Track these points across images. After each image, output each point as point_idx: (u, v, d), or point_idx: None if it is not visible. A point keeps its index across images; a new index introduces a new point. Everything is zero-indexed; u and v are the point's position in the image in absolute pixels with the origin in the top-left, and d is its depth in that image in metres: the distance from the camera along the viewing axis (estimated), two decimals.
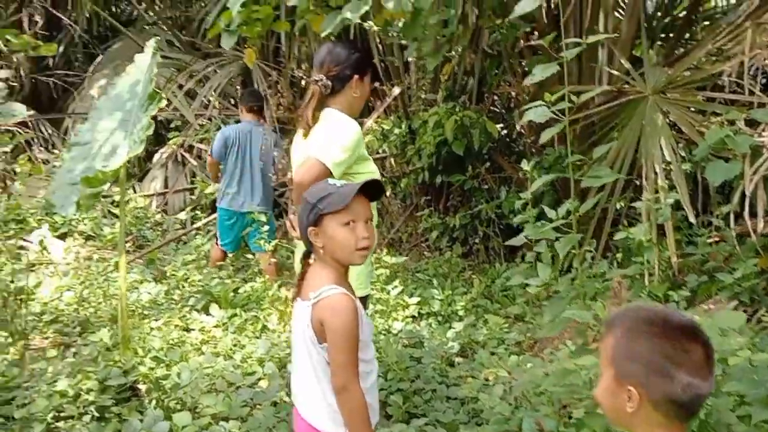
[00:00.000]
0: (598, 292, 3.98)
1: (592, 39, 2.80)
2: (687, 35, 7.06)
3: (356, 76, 2.91)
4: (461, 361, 4.23)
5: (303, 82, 7.99)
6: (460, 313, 5.06)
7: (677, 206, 4.18)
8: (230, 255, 5.95)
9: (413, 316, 5.03)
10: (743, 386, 2.13)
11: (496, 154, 6.75)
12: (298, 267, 2.23)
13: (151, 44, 4.18)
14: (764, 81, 6.20)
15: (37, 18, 9.34)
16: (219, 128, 7.56)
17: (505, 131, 7.17)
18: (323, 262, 2.06)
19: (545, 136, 2.65)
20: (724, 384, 2.17)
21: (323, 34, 4.01)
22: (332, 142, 2.76)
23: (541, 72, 2.55)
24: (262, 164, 5.77)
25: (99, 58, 9.34)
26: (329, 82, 2.87)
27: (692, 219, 4.25)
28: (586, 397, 2.49)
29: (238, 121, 6.37)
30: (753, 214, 3.58)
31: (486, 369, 3.95)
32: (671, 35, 6.89)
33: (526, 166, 3.80)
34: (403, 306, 5.08)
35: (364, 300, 2.82)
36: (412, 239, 7.08)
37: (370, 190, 2.07)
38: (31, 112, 6.06)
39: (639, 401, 1.41)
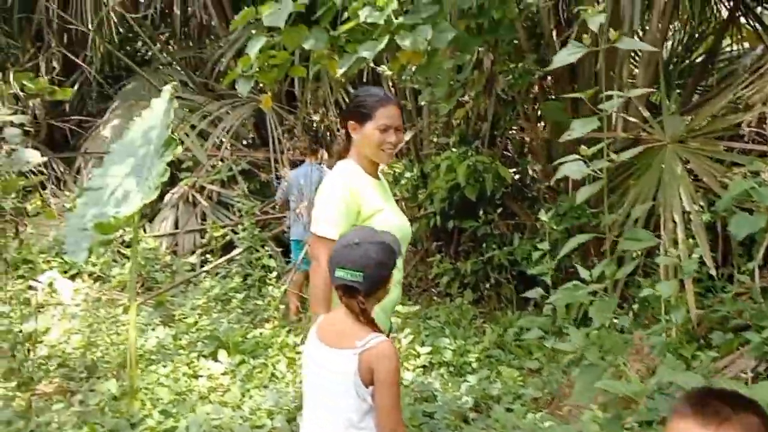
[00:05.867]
0: (617, 347, 3.87)
1: (634, 92, 2.75)
2: (704, 81, 7.04)
3: (351, 122, 2.69)
4: (476, 417, 4.08)
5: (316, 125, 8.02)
6: (473, 364, 4.92)
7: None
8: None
9: (424, 366, 4.90)
10: None
11: (509, 200, 6.67)
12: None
13: (167, 89, 4.13)
14: None
15: (54, 64, 9.39)
16: (230, 169, 7.71)
17: (518, 176, 7.09)
18: (354, 314, 2.08)
19: (582, 196, 2.50)
20: None
21: (338, 75, 3.98)
22: (319, 212, 2.58)
23: (580, 127, 2.42)
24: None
25: (113, 98, 9.39)
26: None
27: (713, 272, 4.16)
28: None
29: (295, 164, 6.96)
30: None
31: (502, 427, 3.81)
32: (688, 81, 6.87)
33: (544, 216, 3.72)
34: (414, 355, 4.96)
35: None
36: (422, 284, 6.98)
37: None
38: (44, 158, 6.05)
39: None
